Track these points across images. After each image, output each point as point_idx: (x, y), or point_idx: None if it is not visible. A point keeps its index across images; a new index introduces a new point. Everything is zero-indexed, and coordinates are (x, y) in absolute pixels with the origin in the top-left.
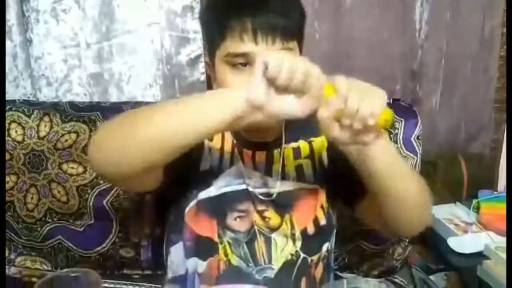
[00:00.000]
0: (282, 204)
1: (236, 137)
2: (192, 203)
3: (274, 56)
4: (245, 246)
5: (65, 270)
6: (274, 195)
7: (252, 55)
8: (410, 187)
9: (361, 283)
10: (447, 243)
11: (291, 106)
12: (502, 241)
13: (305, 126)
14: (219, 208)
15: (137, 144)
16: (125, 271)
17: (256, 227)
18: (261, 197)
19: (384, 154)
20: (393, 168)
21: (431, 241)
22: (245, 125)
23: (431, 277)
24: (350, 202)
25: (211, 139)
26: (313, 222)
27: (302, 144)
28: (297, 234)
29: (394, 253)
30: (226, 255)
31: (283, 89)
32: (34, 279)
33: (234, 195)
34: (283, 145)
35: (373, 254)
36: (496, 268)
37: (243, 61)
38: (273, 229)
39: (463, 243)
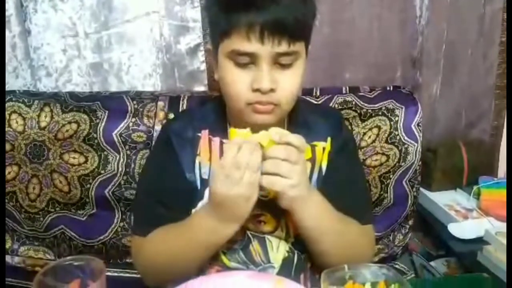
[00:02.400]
0: (278, 206)
1: None
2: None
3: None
4: (240, 252)
5: (69, 257)
6: (270, 196)
7: (257, 55)
8: (336, 240)
9: (362, 268)
10: (447, 229)
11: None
12: (503, 226)
13: (308, 129)
14: None
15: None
16: (127, 260)
17: (248, 232)
18: (258, 197)
19: (307, 213)
20: (318, 224)
21: (431, 228)
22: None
23: (432, 263)
24: None
25: (198, 153)
26: None
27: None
28: (291, 236)
29: (395, 240)
30: (222, 261)
31: None
32: (37, 269)
33: None
34: None
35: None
36: (496, 254)
37: (247, 61)
38: (268, 233)
39: (463, 229)
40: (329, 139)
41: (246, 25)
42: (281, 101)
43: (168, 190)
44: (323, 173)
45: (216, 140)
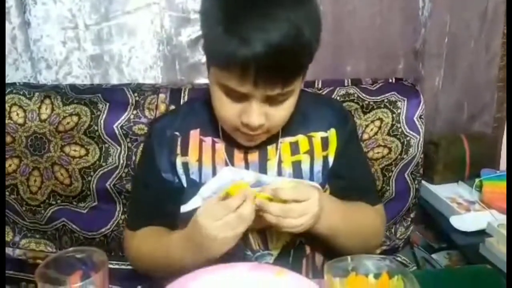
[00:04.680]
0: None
1: (226, 140)
2: (181, 215)
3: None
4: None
5: (71, 249)
6: None
7: (249, 95)
8: (352, 233)
9: (365, 259)
10: (449, 222)
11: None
12: (505, 219)
13: (304, 120)
14: None
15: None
16: None
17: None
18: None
19: (319, 224)
20: (332, 228)
21: (433, 220)
22: None
23: (433, 255)
24: None
25: (186, 154)
26: None
27: (301, 139)
28: None
29: (397, 233)
30: None
31: None
32: (38, 261)
33: None
34: (279, 140)
35: None
36: (498, 246)
37: (238, 96)
38: (268, 226)
39: (465, 221)
40: (333, 130)
41: (241, 68)
42: (272, 129)
43: (148, 188)
44: (330, 164)
45: (208, 140)
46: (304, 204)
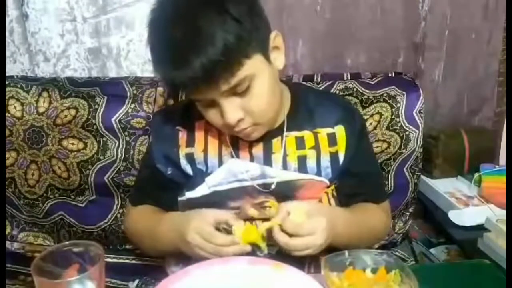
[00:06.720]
0: (282, 195)
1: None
2: (182, 202)
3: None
4: None
5: (68, 243)
6: (273, 186)
7: (208, 98)
8: (361, 237)
9: (362, 253)
10: (448, 217)
11: None
12: (504, 214)
13: (310, 116)
14: (209, 206)
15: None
16: (127, 246)
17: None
18: (259, 188)
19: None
20: (343, 238)
21: (432, 215)
22: None
23: (432, 250)
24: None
25: (191, 145)
26: None
27: (307, 135)
28: None
29: (395, 227)
30: None
31: None
32: (37, 255)
33: (226, 193)
34: (285, 134)
35: None
36: (497, 241)
37: (207, 102)
38: (273, 217)
39: (464, 216)
40: (341, 127)
41: (180, 85)
42: (257, 120)
43: (145, 172)
44: (340, 160)
45: (214, 131)
46: (307, 239)
